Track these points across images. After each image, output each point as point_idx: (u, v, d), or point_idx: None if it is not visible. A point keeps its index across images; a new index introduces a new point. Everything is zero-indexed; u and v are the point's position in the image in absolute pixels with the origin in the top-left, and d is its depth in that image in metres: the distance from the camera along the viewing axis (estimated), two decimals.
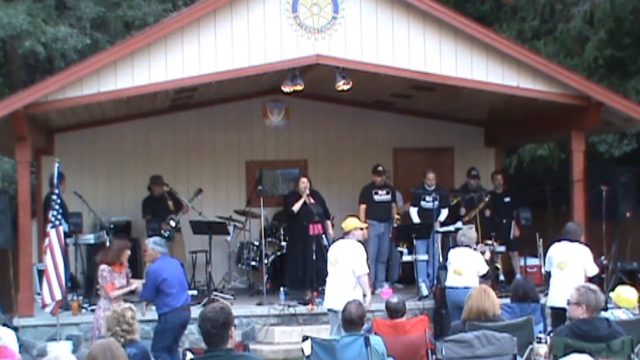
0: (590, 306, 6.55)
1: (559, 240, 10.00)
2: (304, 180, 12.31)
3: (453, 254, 10.60)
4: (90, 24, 18.07)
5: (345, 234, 9.69)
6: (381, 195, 12.68)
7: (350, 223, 9.72)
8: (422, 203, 12.81)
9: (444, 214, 12.79)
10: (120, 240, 9.86)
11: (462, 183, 13.65)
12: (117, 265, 9.19)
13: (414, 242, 12.17)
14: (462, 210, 12.97)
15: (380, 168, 12.78)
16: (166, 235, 12.18)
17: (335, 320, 9.36)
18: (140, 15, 18.00)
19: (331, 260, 9.64)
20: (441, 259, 11.94)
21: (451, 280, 10.40)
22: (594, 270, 9.88)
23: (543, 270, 12.55)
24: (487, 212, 13.04)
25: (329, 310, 9.66)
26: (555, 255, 9.87)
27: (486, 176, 13.81)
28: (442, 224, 12.68)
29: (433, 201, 12.59)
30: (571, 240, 9.84)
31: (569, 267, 9.69)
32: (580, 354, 5.71)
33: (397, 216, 12.99)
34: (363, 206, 12.64)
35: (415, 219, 12.84)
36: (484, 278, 10.46)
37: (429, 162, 13.78)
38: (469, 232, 10.81)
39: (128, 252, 9.41)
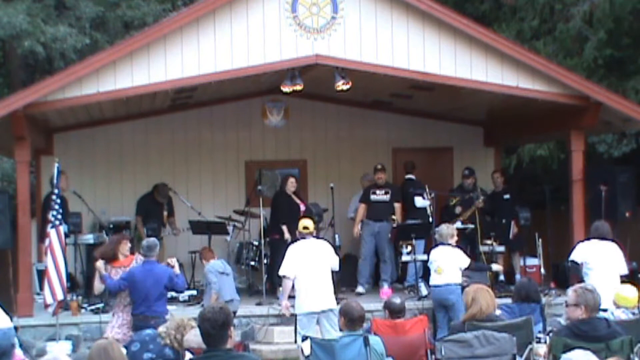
0: (589, 306, 6.55)
1: (588, 239, 9.79)
2: (292, 180, 12.59)
3: (433, 253, 10.79)
4: (90, 23, 18.08)
5: (301, 234, 9.62)
6: (379, 195, 12.68)
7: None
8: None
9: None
10: (115, 235, 9.90)
11: (458, 183, 13.68)
12: (115, 260, 9.23)
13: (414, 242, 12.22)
14: (458, 209, 12.93)
15: (379, 166, 12.82)
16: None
17: (314, 324, 9.26)
18: (140, 15, 18.02)
19: (304, 261, 9.38)
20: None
21: (433, 279, 10.64)
22: (625, 268, 9.69)
23: (542, 270, 12.60)
24: (487, 217, 13.02)
25: (313, 313, 9.29)
26: (592, 257, 9.53)
27: (485, 176, 13.81)
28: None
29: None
30: (605, 239, 9.67)
31: (607, 267, 9.44)
32: (582, 350, 5.70)
33: (393, 217, 12.96)
34: (362, 205, 12.68)
35: (424, 203, 12.72)
36: (470, 269, 10.59)
37: (428, 162, 13.78)
38: (442, 229, 10.94)
39: (127, 244, 9.44)
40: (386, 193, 12.71)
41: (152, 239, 9.54)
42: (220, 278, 10.33)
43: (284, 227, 12.29)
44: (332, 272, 9.66)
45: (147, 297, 8.95)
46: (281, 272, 9.48)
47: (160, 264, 9.34)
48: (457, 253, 10.68)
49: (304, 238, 9.59)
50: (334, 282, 9.77)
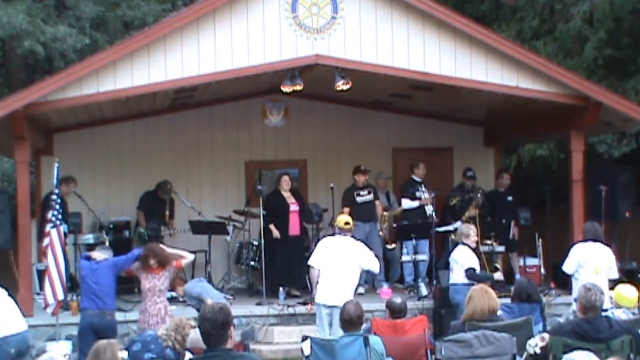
0: (581, 303, 6.55)
1: (584, 241, 9.79)
2: (286, 178, 12.60)
3: (455, 251, 10.78)
4: (90, 23, 18.08)
5: (342, 231, 9.74)
6: (363, 196, 12.68)
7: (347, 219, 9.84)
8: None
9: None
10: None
11: (458, 183, 13.66)
12: (150, 268, 9.36)
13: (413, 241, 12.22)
14: (452, 226, 12.86)
15: (363, 167, 12.81)
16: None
17: (327, 317, 9.34)
18: (140, 15, 18.02)
19: (332, 255, 9.53)
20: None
21: (454, 278, 10.67)
22: (616, 273, 9.71)
23: (542, 270, 12.60)
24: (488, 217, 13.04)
25: (326, 306, 9.41)
26: (589, 259, 9.56)
27: (484, 176, 13.80)
28: (440, 224, 12.67)
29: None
30: (602, 242, 9.66)
31: (602, 271, 9.46)
32: (583, 351, 5.70)
33: (386, 213, 12.94)
34: (346, 209, 12.66)
35: (411, 205, 12.81)
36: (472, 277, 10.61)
37: (428, 162, 13.77)
38: (460, 228, 11.03)
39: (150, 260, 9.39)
40: (369, 193, 12.73)
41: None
42: (202, 288, 10.14)
43: (272, 226, 12.34)
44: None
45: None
46: (309, 262, 9.77)
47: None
48: (468, 255, 10.64)
49: (340, 234, 9.76)
50: None
